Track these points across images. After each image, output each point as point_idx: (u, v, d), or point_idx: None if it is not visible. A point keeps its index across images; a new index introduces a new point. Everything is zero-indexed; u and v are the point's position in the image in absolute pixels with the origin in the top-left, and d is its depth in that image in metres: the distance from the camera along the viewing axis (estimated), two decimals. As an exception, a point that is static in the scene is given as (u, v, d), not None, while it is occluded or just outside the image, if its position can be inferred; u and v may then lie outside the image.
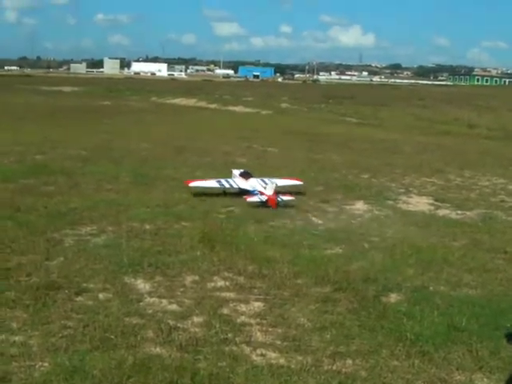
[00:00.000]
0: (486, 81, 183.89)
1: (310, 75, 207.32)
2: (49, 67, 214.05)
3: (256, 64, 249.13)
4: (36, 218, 11.76)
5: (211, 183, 14.86)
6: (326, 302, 8.13)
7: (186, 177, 15.85)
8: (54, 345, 6.57)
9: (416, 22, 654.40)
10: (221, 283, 8.78)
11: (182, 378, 5.99)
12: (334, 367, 6.40)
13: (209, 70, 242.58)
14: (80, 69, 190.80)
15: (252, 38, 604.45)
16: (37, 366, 6.17)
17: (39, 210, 12.33)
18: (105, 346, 6.57)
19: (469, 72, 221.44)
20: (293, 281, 8.88)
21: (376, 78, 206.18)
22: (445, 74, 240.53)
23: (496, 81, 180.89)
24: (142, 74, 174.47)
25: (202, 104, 52.37)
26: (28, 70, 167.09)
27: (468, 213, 14.28)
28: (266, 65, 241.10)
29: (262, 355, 6.63)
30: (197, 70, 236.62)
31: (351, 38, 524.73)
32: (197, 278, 8.94)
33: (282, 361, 6.51)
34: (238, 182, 15.10)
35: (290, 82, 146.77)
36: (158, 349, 6.64)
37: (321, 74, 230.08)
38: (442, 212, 14.31)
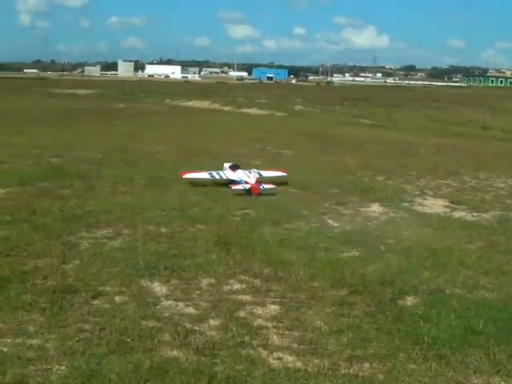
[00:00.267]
0: (501, 82, 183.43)
1: (324, 77, 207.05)
2: (63, 70, 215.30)
3: (270, 66, 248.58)
4: (52, 221, 11.83)
5: (203, 175, 16.36)
6: (343, 305, 8.12)
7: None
8: (71, 348, 6.61)
9: (430, 23, 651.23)
10: (237, 286, 8.79)
11: (199, 382, 6.01)
12: (351, 371, 6.40)
13: (222, 72, 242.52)
14: (94, 71, 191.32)
15: (265, 40, 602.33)
16: (54, 370, 6.21)
17: (55, 213, 12.38)
18: (121, 350, 6.61)
19: (483, 73, 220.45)
20: (309, 284, 8.87)
21: (390, 80, 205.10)
22: (459, 76, 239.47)
23: (510, 82, 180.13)
24: (155, 76, 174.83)
25: (216, 106, 52.32)
26: (43, 73, 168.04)
27: (484, 215, 14.19)
28: (280, 67, 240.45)
29: (278, 358, 6.63)
30: (210, 72, 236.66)
31: (365, 39, 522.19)
32: (213, 280, 8.95)
33: (298, 364, 6.51)
34: (227, 173, 16.55)
35: (304, 83, 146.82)
36: (174, 352, 6.66)
37: (335, 75, 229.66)
38: (457, 214, 14.22)
